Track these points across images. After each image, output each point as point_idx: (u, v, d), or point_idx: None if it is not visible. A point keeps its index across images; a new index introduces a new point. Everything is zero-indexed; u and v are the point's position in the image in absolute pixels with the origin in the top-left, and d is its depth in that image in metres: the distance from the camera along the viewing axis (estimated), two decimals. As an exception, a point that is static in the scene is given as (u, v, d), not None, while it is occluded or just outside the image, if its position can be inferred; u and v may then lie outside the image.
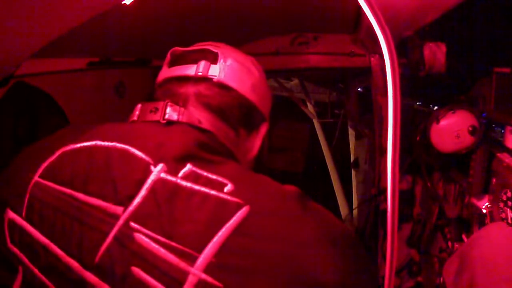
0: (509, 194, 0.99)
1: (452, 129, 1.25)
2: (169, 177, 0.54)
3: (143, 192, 0.53)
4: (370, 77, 1.71)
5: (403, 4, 1.15)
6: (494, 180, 1.09)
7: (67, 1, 0.71)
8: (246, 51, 0.79)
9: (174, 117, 0.63)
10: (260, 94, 0.75)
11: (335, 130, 2.94)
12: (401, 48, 1.49)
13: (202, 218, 0.50)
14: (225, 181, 0.53)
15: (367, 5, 0.46)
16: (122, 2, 0.82)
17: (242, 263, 0.47)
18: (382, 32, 0.47)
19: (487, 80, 1.20)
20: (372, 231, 1.82)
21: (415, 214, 1.68)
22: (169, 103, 0.64)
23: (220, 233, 0.48)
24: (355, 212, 2.65)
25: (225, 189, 0.52)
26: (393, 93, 0.47)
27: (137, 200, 0.53)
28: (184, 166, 0.55)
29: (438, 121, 1.28)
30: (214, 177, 0.54)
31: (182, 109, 0.65)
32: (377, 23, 0.47)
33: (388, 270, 0.50)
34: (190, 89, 0.68)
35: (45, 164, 0.60)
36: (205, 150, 0.59)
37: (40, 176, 0.59)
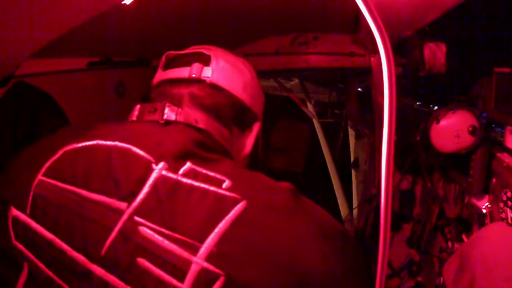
0: (509, 194, 0.99)
1: (452, 129, 1.25)
2: (170, 175, 0.56)
3: (146, 188, 0.55)
4: (370, 77, 1.71)
5: (403, 4, 1.15)
6: (494, 180, 1.09)
7: (67, 1, 0.71)
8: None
9: (172, 117, 0.66)
10: (252, 94, 0.78)
11: (335, 130, 2.95)
12: (401, 48, 1.50)
13: (202, 212, 0.53)
14: (223, 178, 0.56)
15: (364, 5, 0.46)
16: (122, 2, 0.82)
17: (241, 252, 0.50)
18: (379, 33, 0.47)
19: (487, 80, 1.20)
20: (372, 231, 1.82)
21: (415, 214, 1.68)
22: (167, 104, 0.67)
23: (220, 225, 0.51)
24: (355, 212, 2.65)
25: (223, 185, 0.55)
26: (389, 94, 0.48)
27: (141, 196, 0.55)
28: (184, 164, 0.58)
29: (438, 121, 1.28)
30: (212, 174, 0.57)
31: (180, 109, 0.67)
32: (374, 24, 0.47)
33: (379, 267, 0.50)
34: (183, 90, 0.71)
35: (48, 163, 0.62)
36: (203, 149, 0.62)
37: (43, 175, 0.61)
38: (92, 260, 0.53)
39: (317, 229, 0.55)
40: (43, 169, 0.61)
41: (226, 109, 0.73)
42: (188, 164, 0.58)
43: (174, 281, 0.49)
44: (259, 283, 0.49)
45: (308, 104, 3.31)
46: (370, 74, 1.70)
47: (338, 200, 3.10)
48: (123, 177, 0.57)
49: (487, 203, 1.14)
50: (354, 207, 2.79)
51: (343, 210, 3.02)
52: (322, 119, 3.28)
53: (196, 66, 0.72)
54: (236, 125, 0.75)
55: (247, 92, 0.77)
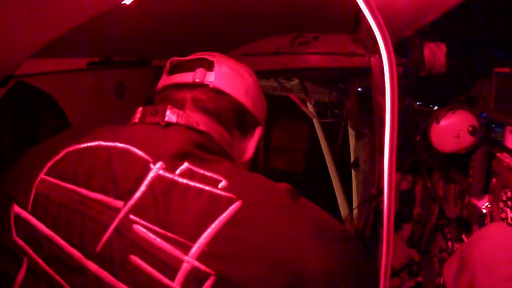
0: (509, 194, 0.99)
1: (452, 129, 1.25)
2: (167, 174, 0.58)
3: (143, 187, 0.57)
4: (370, 77, 1.71)
5: (403, 4, 1.15)
6: (494, 180, 1.09)
7: (67, 1, 0.71)
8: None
9: (173, 119, 0.68)
10: (253, 99, 0.80)
11: (335, 130, 2.95)
12: (401, 48, 1.49)
13: (196, 211, 0.54)
14: (219, 178, 0.57)
15: (366, 6, 0.46)
16: (122, 2, 0.82)
17: (232, 251, 0.51)
18: (380, 33, 0.47)
19: (487, 80, 1.20)
20: (372, 231, 1.82)
21: (415, 214, 1.68)
22: (168, 106, 0.68)
23: (213, 225, 0.52)
24: (355, 212, 2.65)
25: (219, 185, 0.56)
26: (391, 94, 0.48)
27: (137, 194, 0.57)
28: (182, 164, 0.59)
29: (438, 121, 1.28)
30: (209, 174, 0.58)
31: (181, 112, 0.69)
32: (376, 24, 0.47)
33: (383, 267, 0.50)
34: (187, 94, 0.73)
35: (50, 163, 0.64)
36: (201, 150, 0.63)
37: (45, 174, 0.63)
38: (88, 256, 0.55)
39: (314, 229, 0.55)
40: (46, 169, 0.63)
41: (227, 112, 0.75)
42: (185, 164, 0.59)
43: (165, 279, 0.50)
44: (251, 283, 0.49)
45: (308, 104, 3.31)
46: (370, 74, 1.70)
47: (338, 200, 3.10)
48: (121, 176, 0.59)
49: (487, 203, 1.14)
50: (354, 207, 2.79)
51: (343, 210, 3.02)
52: (322, 119, 3.27)
53: (199, 71, 0.75)
54: (238, 128, 0.77)
55: (249, 97, 0.79)
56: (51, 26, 0.76)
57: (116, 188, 0.58)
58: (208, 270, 0.49)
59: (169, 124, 0.67)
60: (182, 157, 0.60)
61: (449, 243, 1.37)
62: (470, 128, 1.22)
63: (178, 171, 0.58)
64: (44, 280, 0.57)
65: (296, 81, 3.19)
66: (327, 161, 3.26)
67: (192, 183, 0.56)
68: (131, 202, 0.56)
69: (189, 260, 0.50)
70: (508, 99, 1.12)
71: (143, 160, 0.60)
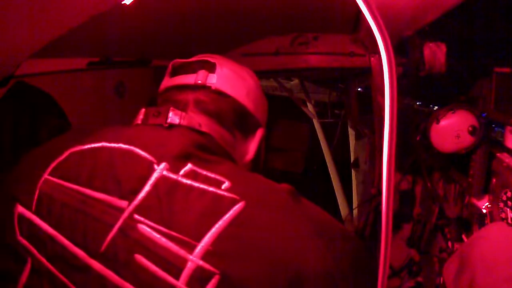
0: (509, 194, 0.99)
1: (452, 129, 1.25)
2: (171, 175, 0.58)
3: (147, 187, 0.57)
4: (370, 77, 1.71)
5: (403, 4, 1.15)
6: (494, 180, 1.09)
7: (67, 1, 0.71)
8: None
9: (176, 120, 0.68)
10: (255, 101, 0.81)
11: (335, 130, 2.95)
12: (401, 48, 1.50)
13: (200, 211, 0.54)
14: (222, 179, 0.58)
15: (365, 5, 0.46)
16: (122, 2, 0.82)
17: (237, 251, 0.52)
18: (379, 33, 0.47)
19: (487, 80, 1.20)
20: (372, 231, 1.82)
21: (415, 214, 1.68)
22: (171, 108, 0.69)
23: (217, 225, 0.52)
24: (355, 212, 2.65)
25: (223, 186, 0.57)
26: (390, 95, 0.48)
27: (142, 194, 0.57)
28: (185, 165, 0.59)
29: (438, 121, 1.28)
30: (212, 175, 0.58)
31: (183, 113, 0.70)
32: (375, 24, 0.47)
33: (381, 267, 0.50)
34: (189, 96, 0.74)
35: (54, 163, 0.64)
36: (204, 151, 0.63)
37: (49, 174, 0.63)
38: (92, 255, 0.55)
39: (315, 229, 0.56)
40: (49, 169, 0.64)
41: (229, 114, 0.76)
42: (189, 165, 0.59)
43: (170, 278, 0.51)
44: (255, 282, 0.50)
45: (308, 104, 3.31)
46: (370, 74, 1.70)
47: (338, 200, 3.10)
48: (125, 177, 0.59)
49: (487, 203, 1.14)
50: (354, 207, 2.79)
51: (343, 210, 3.02)
52: (322, 119, 3.27)
53: (201, 73, 0.75)
54: (239, 130, 0.78)
55: (250, 99, 0.80)
56: (51, 26, 0.76)
57: (119, 188, 0.58)
58: (212, 269, 0.50)
59: (171, 126, 0.68)
60: (185, 158, 0.60)
61: (449, 243, 1.38)
62: (470, 128, 1.22)
63: (182, 172, 0.58)
64: (47, 279, 0.57)
65: (296, 81, 3.19)
66: (327, 161, 3.27)
67: (196, 184, 0.57)
68: (136, 202, 0.57)
69: (194, 259, 0.51)
70: (508, 99, 1.12)
71: (147, 161, 0.60)
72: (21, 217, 0.61)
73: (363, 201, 2.27)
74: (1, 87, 0.95)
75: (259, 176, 0.63)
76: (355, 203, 2.80)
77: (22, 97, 1.03)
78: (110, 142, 0.64)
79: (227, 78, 0.77)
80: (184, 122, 0.68)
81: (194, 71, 0.76)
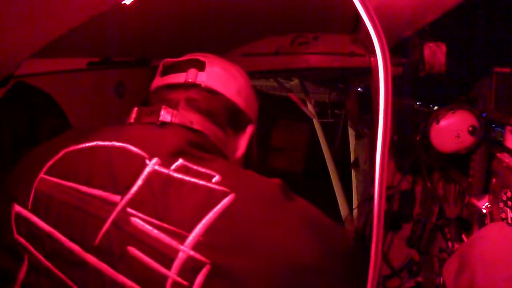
0: (509, 194, 0.99)
1: (452, 129, 1.25)
2: (163, 169, 0.60)
3: (139, 182, 0.59)
4: (370, 77, 1.70)
5: (403, 4, 1.15)
6: (494, 180, 1.09)
7: (67, 1, 0.71)
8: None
9: (168, 118, 0.69)
10: (246, 98, 0.83)
11: (335, 130, 2.95)
12: (401, 48, 1.49)
13: (191, 204, 0.56)
14: (213, 173, 0.59)
15: (363, 7, 0.46)
16: (122, 2, 0.82)
17: (227, 242, 0.53)
18: (376, 35, 0.47)
19: (487, 80, 1.20)
20: (372, 231, 1.81)
21: (415, 214, 1.68)
22: (163, 106, 0.70)
23: (208, 217, 0.54)
24: (355, 212, 2.65)
25: (213, 180, 0.58)
26: (384, 97, 0.48)
27: (134, 189, 0.59)
28: (176, 160, 0.61)
29: (438, 121, 1.28)
30: (203, 170, 0.60)
31: (175, 111, 0.71)
32: (372, 26, 0.47)
33: (373, 257, 0.50)
34: (181, 94, 0.76)
35: (49, 163, 0.66)
36: (195, 148, 0.65)
37: (45, 173, 0.65)
38: (87, 249, 0.56)
39: (303, 222, 0.58)
40: (45, 168, 0.65)
41: (220, 111, 0.77)
42: (180, 161, 0.61)
43: (162, 268, 0.52)
44: (244, 272, 0.51)
45: (308, 104, 3.31)
46: (370, 74, 1.70)
47: (338, 200, 3.09)
48: (119, 173, 0.61)
49: (487, 203, 1.14)
50: (354, 207, 2.79)
51: (343, 210, 3.02)
52: (322, 119, 3.27)
53: (191, 71, 0.77)
54: (231, 127, 0.80)
55: (241, 96, 0.81)
56: (51, 26, 0.76)
57: (115, 184, 0.60)
58: (203, 259, 0.51)
59: (164, 124, 0.69)
60: (176, 154, 0.62)
61: (449, 243, 1.37)
62: (470, 128, 1.22)
63: (173, 167, 0.60)
64: (45, 276, 0.58)
65: (296, 81, 3.19)
66: (327, 161, 3.26)
67: (187, 178, 0.58)
68: (128, 196, 0.58)
69: (185, 249, 0.52)
70: (508, 99, 1.12)
71: (140, 157, 0.62)
72: (18, 216, 0.62)
73: (363, 201, 2.27)
74: (1, 87, 0.95)
75: (250, 171, 0.65)
76: (355, 203, 2.80)
77: (22, 97, 1.03)
78: (104, 141, 0.66)
79: (218, 76, 0.78)
80: (175, 120, 0.70)
81: (184, 70, 0.78)
